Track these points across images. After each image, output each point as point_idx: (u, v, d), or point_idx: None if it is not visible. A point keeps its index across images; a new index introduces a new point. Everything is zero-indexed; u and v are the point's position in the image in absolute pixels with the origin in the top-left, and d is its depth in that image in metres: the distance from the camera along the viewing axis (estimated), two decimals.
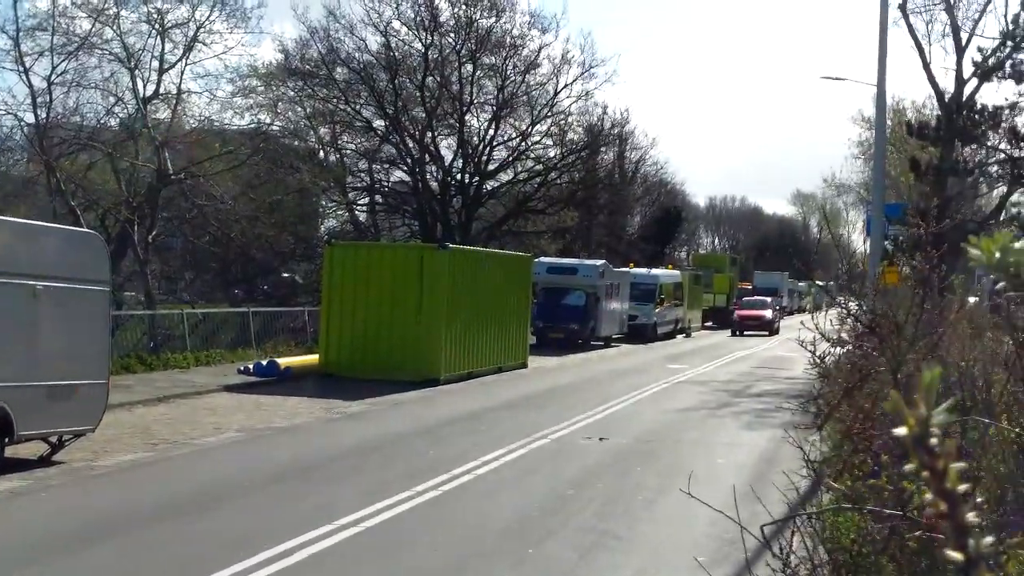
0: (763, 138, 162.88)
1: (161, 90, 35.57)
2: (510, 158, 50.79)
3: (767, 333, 55.31)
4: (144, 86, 35.14)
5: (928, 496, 1.12)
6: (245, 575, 9.31)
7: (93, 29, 33.68)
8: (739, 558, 5.85)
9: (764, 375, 31.29)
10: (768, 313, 57.51)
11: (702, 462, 15.58)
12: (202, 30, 35.50)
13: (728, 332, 57.69)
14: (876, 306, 8.90)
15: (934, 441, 1.08)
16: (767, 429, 18.46)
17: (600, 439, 17.58)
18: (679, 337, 51.50)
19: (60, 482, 13.28)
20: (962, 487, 1.08)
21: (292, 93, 45.56)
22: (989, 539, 1.06)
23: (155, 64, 35.12)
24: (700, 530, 10.60)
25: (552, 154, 51.94)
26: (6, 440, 13.57)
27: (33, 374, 13.91)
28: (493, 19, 48.05)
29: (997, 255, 1.29)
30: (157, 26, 34.81)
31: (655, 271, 51.59)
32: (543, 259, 43.28)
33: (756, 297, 64.20)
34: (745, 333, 55.87)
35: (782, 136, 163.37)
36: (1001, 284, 1.33)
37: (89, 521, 11.38)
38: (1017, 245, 1.30)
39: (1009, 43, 39.68)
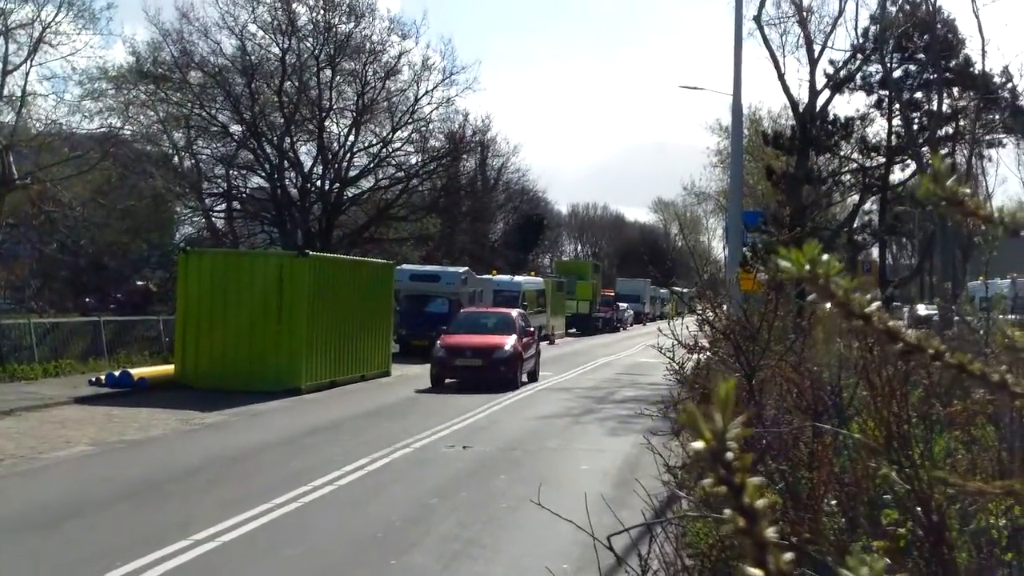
0: (624, 146, 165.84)
1: (5, 92, 34.30)
2: (371, 165, 50.55)
3: (510, 380, 28.08)
4: None
5: (727, 512, 1.08)
6: None
7: None
8: (606, 564, 5.83)
9: (627, 381, 31.64)
10: (508, 342, 28.74)
11: (566, 469, 15.66)
12: (48, 31, 34.38)
13: (590, 338, 57.92)
14: (730, 312, 9.06)
15: (730, 456, 1.03)
16: (631, 435, 18.62)
17: (463, 447, 17.53)
18: (542, 344, 51.80)
19: None
20: (760, 502, 1.04)
21: (144, 97, 44.41)
22: (789, 555, 1.03)
23: None
24: (565, 537, 10.59)
25: (414, 161, 51.97)
26: None
27: None
28: (352, 24, 47.86)
29: (807, 267, 1.27)
30: (0, 27, 33.52)
31: (518, 278, 51.90)
32: (405, 266, 43.15)
33: (489, 310, 34.95)
34: (462, 386, 27.70)
35: (643, 144, 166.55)
36: (812, 296, 1.32)
37: None
38: (825, 257, 1.28)
39: (859, 56, 41.18)
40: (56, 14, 34.48)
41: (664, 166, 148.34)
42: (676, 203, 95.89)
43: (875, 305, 1.21)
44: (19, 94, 34.73)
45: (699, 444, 1.02)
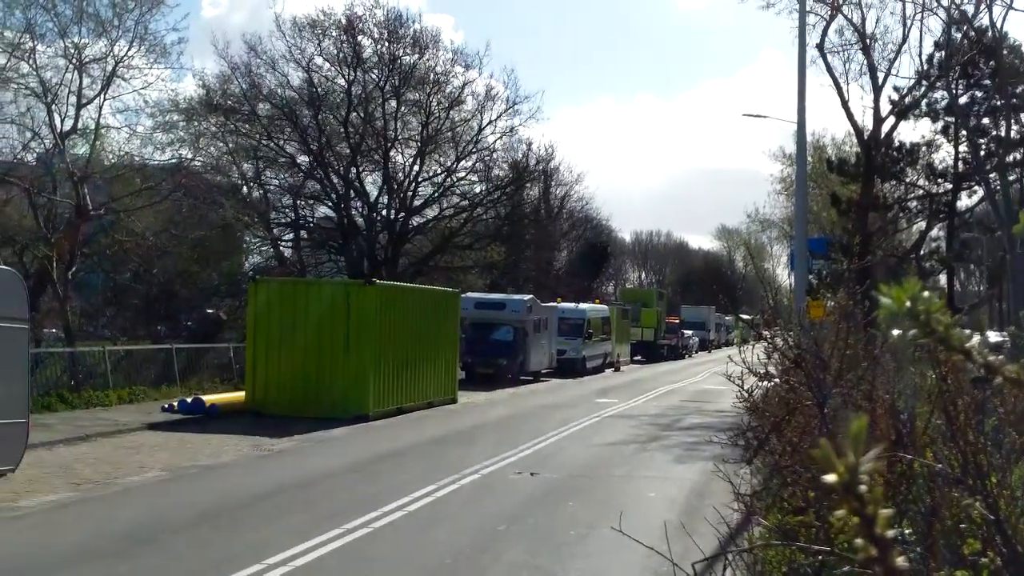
0: (687, 174, 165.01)
1: (79, 125, 34.97)
2: (436, 194, 50.83)
3: None
4: (62, 121, 34.50)
5: (859, 541, 1.13)
6: None
7: (8, 63, 33.02)
8: None
9: (693, 409, 31.52)
10: None
11: (633, 496, 15.63)
12: (121, 65, 34.98)
13: (655, 365, 57.58)
14: (801, 341, 9.03)
15: (863, 488, 1.09)
16: (697, 462, 18.58)
17: (531, 474, 17.56)
18: (608, 371, 51.75)
19: None
20: (891, 532, 1.09)
21: (214, 128, 45.18)
22: None
23: (73, 99, 34.51)
24: (634, 563, 10.61)
25: (478, 190, 52.15)
26: None
27: None
28: (416, 56, 48.24)
29: (907, 304, 1.31)
30: (75, 61, 34.23)
31: (582, 306, 51.85)
32: (470, 294, 43.30)
33: None
34: None
35: (705, 171, 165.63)
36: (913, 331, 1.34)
37: (9, 564, 11.09)
38: (926, 294, 1.32)
39: (924, 82, 40.74)
40: (128, 49, 35.13)
41: (727, 193, 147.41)
42: (740, 230, 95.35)
43: (975, 340, 1.26)
44: (93, 127, 35.41)
45: (831, 477, 1.07)
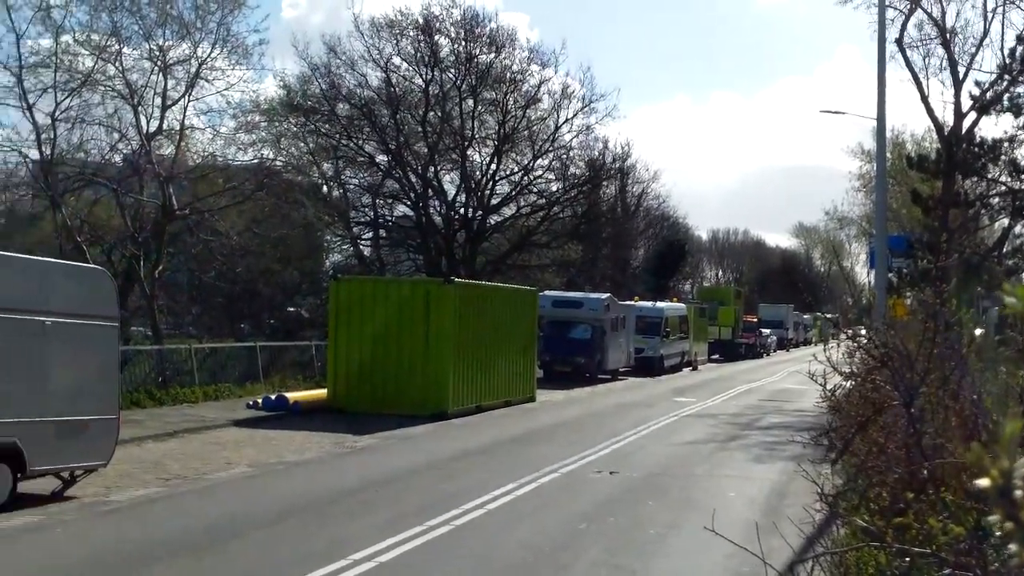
0: (763, 171, 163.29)
1: (164, 126, 35.68)
2: (513, 192, 51.02)
3: None
4: (147, 122, 35.20)
5: (1013, 546, 1.13)
6: None
7: (96, 66, 33.80)
8: None
9: (772, 408, 31.28)
10: None
11: (714, 496, 15.56)
12: (204, 67, 35.61)
13: (733, 364, 57.15)
14: (888, 340, 8.95)
15: (1019, 493, 1.08)
16: (777, 462, 18.49)
17: (610, 473, 17.59)
18: (685, 370, 51.50)
19: (73, 517, 13.30)
20: None
21: (295, 128, 45.89)
22: None
23: (158, 100, 35.22)
24: (715, 563, 10.62)
25: (554, 188, 52.23)
26: (18, 475, 13.65)
27: (44, 410, 13.96)
28: (493, 55, 48.48)
29: None
30: (159, 63, 34.92)
31: (660, 304, 51.65)
32: (548, 293, 43.35)
33: None
34: None
35: (782, 169, 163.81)
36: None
37: (102, 556, 11.40)
38: None
39: (1006, 77, 39.86)
40: (211, 51, 35.75)
41: (803, 191, 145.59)
42: (818, 228, 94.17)
43: None
44: (178, 128, 36.10)
45: (985, 481, 1.08)
